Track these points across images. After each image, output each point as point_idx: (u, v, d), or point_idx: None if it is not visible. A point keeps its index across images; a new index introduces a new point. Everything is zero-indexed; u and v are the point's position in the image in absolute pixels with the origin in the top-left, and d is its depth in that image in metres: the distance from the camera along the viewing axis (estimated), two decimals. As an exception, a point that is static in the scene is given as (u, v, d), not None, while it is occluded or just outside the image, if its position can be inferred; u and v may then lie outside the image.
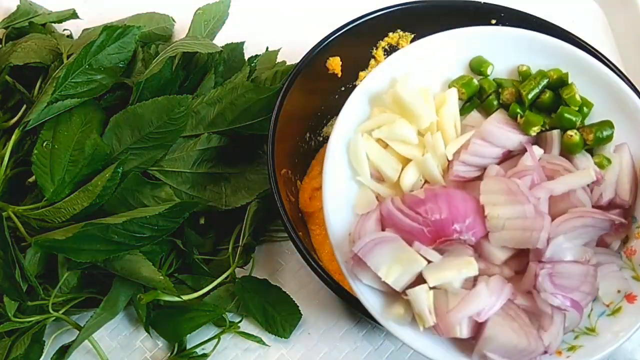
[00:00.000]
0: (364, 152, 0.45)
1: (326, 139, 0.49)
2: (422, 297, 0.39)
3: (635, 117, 0.44)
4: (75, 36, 0.76)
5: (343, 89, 0.64)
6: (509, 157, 0.46)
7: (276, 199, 0.51)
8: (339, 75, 0.62)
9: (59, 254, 0.54)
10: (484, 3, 0.62)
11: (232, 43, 0.72)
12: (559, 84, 0.46)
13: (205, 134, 0.60)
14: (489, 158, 0.45)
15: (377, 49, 0.63)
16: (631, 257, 0.43)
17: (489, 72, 0.48)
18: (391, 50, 0.63)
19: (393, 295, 0.41)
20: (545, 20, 0.61)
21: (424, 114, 0.45)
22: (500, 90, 0.47)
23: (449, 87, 0.48)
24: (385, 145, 0.46)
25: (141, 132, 0.57)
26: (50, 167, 0.55)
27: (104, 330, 0.58)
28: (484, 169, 0.44)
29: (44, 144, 0.55)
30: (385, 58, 0.62)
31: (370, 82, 0.47)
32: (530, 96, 0.46)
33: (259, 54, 0.70)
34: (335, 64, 0.61)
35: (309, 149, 0.65)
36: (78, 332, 0.54)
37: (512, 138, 0.45)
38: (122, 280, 0.55)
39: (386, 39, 0.63)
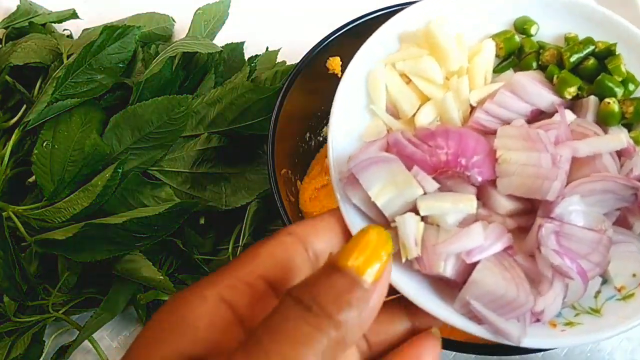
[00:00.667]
0: (384, 82, 0.43)
1: (326, 139, 0.49)
2: (410, 225, 0.35)
3: None
4: (75, 36, 0.76)
5: (343, 89, 0.64)
6: (538, 119, 0.43)
7: (276, 199, 0.51)
8: (339, 75, 0.62)
9: (59, 254, 0.54)
10: (484, 3, 0.61)
11: (232, 43, 0.72)
12: (605, 54, 0.43)
13: (205, 134, 0.60)
14: (516, 113, 0.41)
15: (377, 49, 0.63)
16: None
17: (532, 31, 0.45)
18: (391, 50, 0.63)
19: (380, 222, 0.38)
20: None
21: (454, 56, 0.43)
22: (541, 51, 0.45)
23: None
24: (408, 82, 0.44)
25: (141, 132, 0.57)
26: (50, 167, 0.55)
27: (104, 330, 0.58)
28: (507, 123, 0.41)
29: (44, 144, 0.55)
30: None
31: (403, 18, 0.44)
32: (572, 59, 0.43)
33: (259, 54, 0.70)
34: (335, 64, 0.61)
35: (309, 149, 0.65)
36: (78, 332, 0.54)
37: (544, 96, 0.42)
38: (122, 280, 0.55)
39: (386, 39, 0.63)
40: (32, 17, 0.72)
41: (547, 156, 0.36)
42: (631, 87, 0.42)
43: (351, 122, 0.42)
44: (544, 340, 0.36)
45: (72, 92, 0.57)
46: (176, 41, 0.65)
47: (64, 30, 0.76)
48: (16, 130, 0.57)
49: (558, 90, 0.42)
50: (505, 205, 0.37)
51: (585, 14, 0.45)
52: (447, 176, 0.38)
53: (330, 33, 0.59)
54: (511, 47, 0.45)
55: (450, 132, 0.38)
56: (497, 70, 0.45)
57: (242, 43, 0.73)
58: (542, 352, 0.59)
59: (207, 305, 0.30)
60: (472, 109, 0.43)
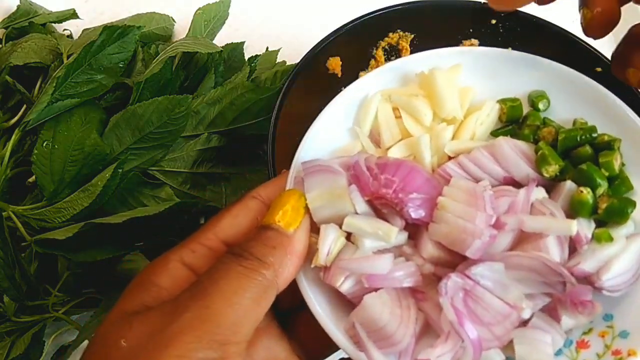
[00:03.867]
0: (375, 110, 0.45)
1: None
2: (330, 235, 0.37)
3: None
4: (75, 36, 0.76)
5: (343, 89, 0.64)
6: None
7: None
8: (339, 75, 0.62)
9: (59, 254, 0.54)
10: (484, 3, 0.62)
11: (232, 43, 0.72)
12: (604, 147, 0.41)
13: (205, 134, 0.60)
14: (488, 175, 0.41)
15: (377, 49, 0.63)
16: (580, 350, 0.37)
17: (541, 106, 0.45)
18: (391, 50, 0.63)
19: (312, 229, 0.39)
20: (544, 20, 0.61)
21: (449, 105, 0.43)
22: (540, 126, 0.44)
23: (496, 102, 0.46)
24: (398, 117, 0.45)
25: (141, 132, 0.57)
26: (50, 167, 0.55)
27: (104, 330, 0.58)
28: (477, 182, 0.40)
29: (44, 144, 0.55)
30: (384, 58, 0.63)
31: (414, 60, 0.45)
32: (566, 141, 0.41)
33: (259, 54, 0.70)
34: (335, 64, 0.61)
35: (309, 149, 0.65)
36: (78, 332, 0.54)
37: (521, 166, 0.41)
38: (122, 280, 0.55)
39: (386, 39, 0.63)
40: (32, 17, 0.72)
41: (483, 216, 0.36)
42: (622, 188, 0.40)
43: (330, 135, 0.44)
44: None
45: (72, 92, 0.57)
46: (176, 41, 0.65)
47: (64, 30, 0.76)
48: (16, 130, 0.57)
49: (537, 166, 0.41)
50: (430, 250, 0.37)
51: (604, 106, 0.43)
52: (382, 204, 0.38)
53: (330, 33, 0.59)
54: (515, 115, 0.45)
55: (403, 165, 0.38)
56: (495, 133, 0.45)
57: (242, 43, 0.73)
58: None
59: (169, 267, 0.35)
60: (450, 159, 0.42)
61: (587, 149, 0.41)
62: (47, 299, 0.54)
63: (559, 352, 0.37)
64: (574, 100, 0.44)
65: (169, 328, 0.30)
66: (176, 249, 0.37)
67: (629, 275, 0.37)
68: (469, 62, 0.46)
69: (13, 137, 0.57)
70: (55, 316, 0.55)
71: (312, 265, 0.37)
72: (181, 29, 0.78)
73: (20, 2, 0.75)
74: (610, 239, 0.38)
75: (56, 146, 0.55)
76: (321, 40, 0.59)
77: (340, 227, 0.37)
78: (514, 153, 0.41)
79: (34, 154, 0.55)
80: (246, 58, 0.71)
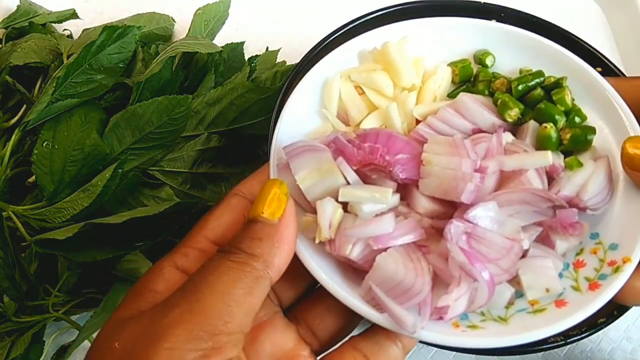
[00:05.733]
0: (338, 90, 0.47)
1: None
2: (328, 209, 0.38)
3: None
4: (75, 36, 0.76)
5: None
6: None
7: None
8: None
9: (59, 254, 0.54)
10: (484, 3, 0.62)
11: (232, 43, 0.72)
12: (553, 87, 0.45)
13: (205, 134, 0.60)
14: (457, 129, 0.44)
15: (377, 49, 0.63)
16: (578, 269, 0.40)
17: (488, 62, 0.48)
18: (391, 50, 0.63)
19: (307, 209, 0.40)
20: (545, 20, 0.61)
21: (407, 74, 0.46)
22: (492, 80, 0.47)
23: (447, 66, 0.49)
24: (362, 93, 0.48)
25: (141, 132, 0.57)
26: (50, 167, 0.55)
27: (104, 330, 0.58)
28: None
29: (44, 144, 0.55)
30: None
31: (366, 39, 0.48)
32: (519, 88, 0.45)
33: (259, 54, 0.70)
34: (335, 64, 0.61)
35: (309, 149, 0.65)
36: (78, 332, 0.54)
37: (485, 116, 0.44)
38: (122, 280, 0.55)
39: (386, 39, 0.63)
40: (32, 17, 0.72)
41: (468, 162, 0.38)
42: (577, 119, 0.44)
43: (301, 121, 0.46)
44: (440, 336, 0.36)
45: (72, 92, 0.57)
46: (176, 41, 0.65)
47: (64, 30, 0.76)
48: (16, 130, 0.57)
49: (500, 113, 0.44)
50: (424, 204, 0.39)
51: (540, 50, 0.47)
52: (371, 169, 0.40)
53: (330, 33, 0.59)
54: (466, 75, 0.48)
55: (381, 132, 0.40)
56: (451, 95, 0.48)
57: (242, 43, 0.73)
58: (542, 353, 0.59)
59: (163, 273, 0.36)
60: (419, 123, 0.45)
61: (539, 91, 0.45)
62: (47, 299, 0.54)
63: (560, 276, 0.39)
64: (515, 52, 0.48)
65: (160, 324, 0.31)
66: (169, 255, 0.37)
67: (605, 192, 0.41)
68: (415, 35, 0.49)
69: (13, 137, 0.57)
70: (55, 316, 0.55)
71: (317, 241, 0.38)
72: (181, 29, 0.78)
73: (20, 2, 0.75)
74: (580, 164, 0.41)
75: (56, 146, 0.55)
76: (321, 40, 0.59)
77: (336, 200, 0.38)
78: (477, 105, 0.44)
79: (34, 154, 0.55)
80: (246, 58, 0.71)
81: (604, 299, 0.36)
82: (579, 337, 0.53)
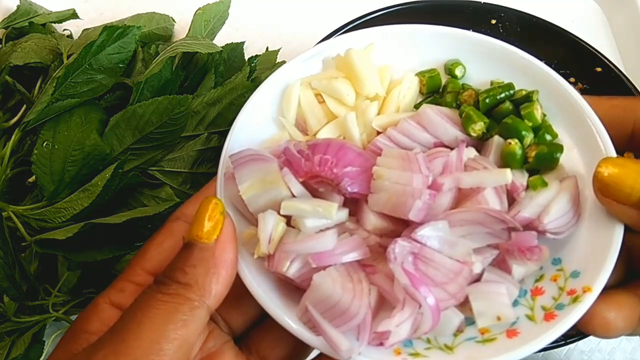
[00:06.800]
0: (297, 98, 0.44)
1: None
2: (269, 221, 0.36)
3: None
4: (75, 36, 0.76)
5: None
6: None
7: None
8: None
9: (59, 254, 0.54)
10: (484, 3, 0.62)
11: (232, 43, 0.72)
12: (523, 100, 0.42)
13: (205, 134, 0.60)
14: (417, 143, 0.41)
15: (377, 49, 0.63)
16: (535, 297, 0.37)
17: (458, 73, 0.46)
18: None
19: (252, 222, 0.38)
20: (544, 20, 0.61)
21: (370, 83, 0.44)
22: (460, 91, 0.45)
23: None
24: (322, 102, 0.45)
25: (141, 132, 0.57)
26: (50, 167, 0.55)
27: (104, 330, 0.58)
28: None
29: (44, 144, 0.55)
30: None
31: (330, 43, 0.46)
32: (487, 100, 0.42)
33: (259, 54, 0.70)
34: (335, 64, 0.61)
35: (309, 149, 0.65)
36: (78, 332, 0.54)
37: (448, 130, 0.41)
38: (122, 280, 0.55)
39: (386, 39, 0.63)
40: (32, 17, 0.72)
41: (419, 177, 0.36)
42: (547, 137, 0.41)
43: (256, 128, 0.43)
44: None
45: (72, 92, 0.57)
46: (176, 41, 0.65)
47: (64, 30, 0.76)
48: (16, 130, 0.57)
49: (464, 127, 0.42)
50: (372, 221, 0.37)
51: (515, 62, 0.44)
52: (318, 182, 0.37)
53: (330, 33, 0.59)
54: (434, 85, 0.46)
55: (332, 143, 0.38)
56: (418, 106, 0.45)
57: (242, 43, 0.73)
58: (542, 352, 0.59)
59: (98, 311, 0.35)
60: (379, 134, 0.43)
61: (508, 104, 0.42)
62: (47, 299, 0.54)
63: (515, 303, 0.37)
64: (487, 63, 0.45)
65: None
66: (105, 292, 0.36)
67: (569, 216, 0.38)
68: (383, 41, 0.46)
69: (13, 137, 0.57)
70: (55, 316, 0.55)
71: (255, 256, 0.36)
72: (181, 29, 0.78)
73: (20, 2, 0.74)
74: (545, 184, 0.39)
75: (56, 146, 0.55)
76: (321, 40, 0.59)
77: (279, 213, 0.36)
78: (440, 118, 0.42)
79: (34, 154, 0.55)
80: (246, 58, 0.71)
81: (559, 331, 0.34)
82: (578, 337, 0.53)
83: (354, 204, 0.38)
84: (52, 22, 0.74)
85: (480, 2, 0.62)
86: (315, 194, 0.38)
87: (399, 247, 0.35)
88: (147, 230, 0.53)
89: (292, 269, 0.35)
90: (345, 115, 0.43)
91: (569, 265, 0.37)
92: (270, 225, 0.36)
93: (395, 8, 0.61)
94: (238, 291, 0.35)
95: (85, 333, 0.33)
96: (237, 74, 0.66)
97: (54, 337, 0.56)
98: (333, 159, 0.37)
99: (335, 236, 0.36)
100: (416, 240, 0.35)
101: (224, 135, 0.61)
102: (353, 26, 0.60)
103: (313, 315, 0.34)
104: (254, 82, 0.64)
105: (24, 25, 0.71)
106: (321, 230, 0.36)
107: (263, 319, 0.39)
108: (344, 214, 0.37)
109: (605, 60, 0.58)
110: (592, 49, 0.58)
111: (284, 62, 0.72)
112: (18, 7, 0.74)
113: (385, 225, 0.37)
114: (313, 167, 0.37)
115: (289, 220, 0.37)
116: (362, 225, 0.38)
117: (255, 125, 0.43)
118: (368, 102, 0.44)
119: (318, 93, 0.45)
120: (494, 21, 0.61)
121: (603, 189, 0.35)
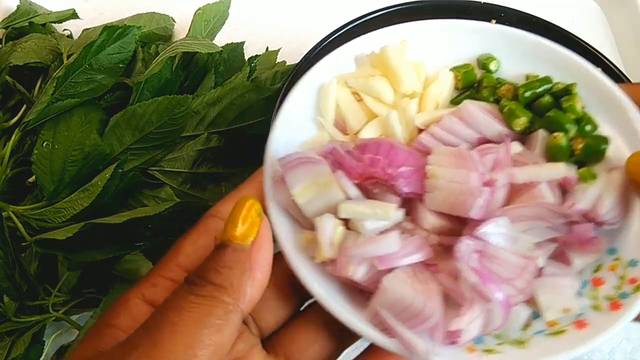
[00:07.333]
0: (334, 97, 0.44)
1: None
2: (328, 225, 0.35)
3: None
4: (75, 36, 0.76)
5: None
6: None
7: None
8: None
9: (59, 254, 0.54)
10: (484, 3, 0.62)
11: (232, 43, 0.72)
12: (563, 93, 0.43)
13: (205, 134, 0.60)
14: (461, 138, 0.41)
15: (377, 49, 0.63)
16: (597, 287, 0.37)
17: (492, 67, 0.46)
18: (391, 50, 0.63)
19: (305, 225, 0.38)
20: (545, 20, 0.61)
21: (407, 80, 0.43)
22: (497, 86, 0.45)
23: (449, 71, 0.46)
24: (359, 100, 0.45)
25: (141, 132, 0.57)
26: (50, 167, 0.55)
27: (104, 330, 0.58)
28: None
29: (44, 144, 0.55)
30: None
31: (363, 42, 0.45)
32: (526, 95, 0.42)
33: (259, 54, 0.70)
34: (335, 64, 0.61)
35: (309, 149, 0.65)
36: (78, 332, 0.54)
37: (492, 125, 0.41)
38: (122, 280, 0.55)
39: (386, 39, 0.63)
40: (32, 17, 0.72)
41: (476, 175, 0.36)
42: (588, 127, 0.41)
43: (296, 129, 0.42)
44: None
45: (72, 92, 0.57)
46: (176, 41, 0.65)
47: (64, 30, 0.76)
48: (16, 130, 0.57)
49: (507, 122, 0.41)
50: (430, 220, 0.37)
51: (549, 56, 0.44)
52: (372, 184, 0.37)
53: (330, 33, 0.59)
54: (469, 80, 0.45)
55: (382, 143, 0.37)
56: (455, 101, 0.45)
57: (242, 43, 0.73)
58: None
59: (129, 306, 0.33)
60: (421, 131, 0.42)
61: (548, 98, 0.42)
62: (47, 299, 0.54)
63: (578, 295, 0.37)
64: (521, 57, 0.45)
65: None
66: (137, 285, 0.34)
67: (622, 206, 0.38)
68: (415, 38, 0.46)
69: (13, 137, 0.57)
70: (55, 316, 0.55)
71: (317, 261, 0.35)
72: (181, 29, 0.78)
73: (20, 2, 0.74)
74: (594, 176, 0.39)
75: (56, 146, 0.55)
76: (321, 40, 0.59)
77: (336, 217, 0.36)
78: (482, 113, 0.41)
79: (34, 154, 0.55)
80: (246, 58, 0.71)
81: (627, 319, 0.34)
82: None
83: (409, 204, 0.38)
84: (52, 22, 0.74)
85: (480, 2, 0.62)
86: (369, 195, 0.38)
87: (465, 246, 0.34)
88: (147, 230, 0.53)
89: (358, 273, 0.35)
90: (388, 114, 0.42)
91: (625, 255, 0.38)
92: (329, 229, 0.35)
93: (396, 8, 0.61)
94: (269, 292, 0.34)
95: (112, 328, 0.32)
96: (237, 74, 0.66)
97: (54, 337, 0.56)
98: (385, 159, 0.36)
99: (398, 237, 0.35)
100: (479, 238, 0.35)
101: (224, 135, 0.61)
102: (353, 26, 0.59)
103: (386, 318, 0.34)
104: (254, 82, 0.64)
105: (24, 25, 0.71)
106: (381, 232, 0.36)
107: (291, 318, 0.38)
108: (400, 214, 0.37)
109: (605, 60, 0.58)
110: (592, 49, 0.58)
111: (284, 62, 0.72)
112: (18, 7, 0.74)
113: (443, 223, 0.37)
114: (366, 168, 0.36)
115: (345, 222, 0.37)
116: (420, 224, 0.37)
117: (294, 127, 0.42)
118: (407, 99, 0.44)
119: (354, 91, 0.45)
120: (494, 21, 0.61)
121: (635, 178, 0.36)
